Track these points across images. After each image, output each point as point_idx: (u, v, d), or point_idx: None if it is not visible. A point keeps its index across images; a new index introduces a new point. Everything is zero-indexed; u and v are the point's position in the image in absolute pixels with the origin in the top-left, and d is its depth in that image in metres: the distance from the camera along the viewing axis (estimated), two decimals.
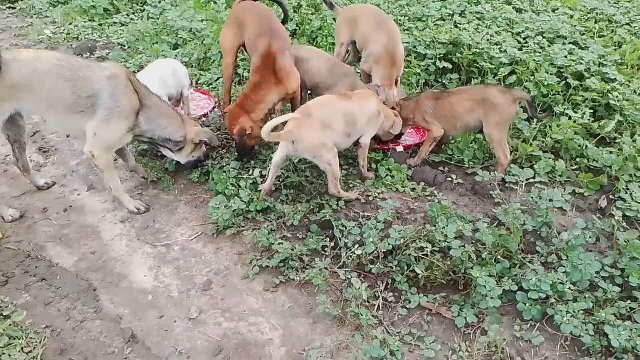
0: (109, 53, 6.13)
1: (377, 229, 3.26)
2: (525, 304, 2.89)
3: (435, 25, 5.98)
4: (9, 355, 2.76)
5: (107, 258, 3.49)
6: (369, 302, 3.04)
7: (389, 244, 3.15)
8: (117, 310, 3.13)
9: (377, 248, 3.15)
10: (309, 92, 4.59)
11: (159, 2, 7.37)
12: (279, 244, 3.34)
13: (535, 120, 4.27)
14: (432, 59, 5.17)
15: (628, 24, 6.04)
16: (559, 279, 2.89)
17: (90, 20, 7.22)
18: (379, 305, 3.04)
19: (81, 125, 3.51)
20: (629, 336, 2.64)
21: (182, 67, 4.68)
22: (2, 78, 3.22)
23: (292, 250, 3.32)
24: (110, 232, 3.71)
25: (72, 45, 6.45)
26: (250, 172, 3.91)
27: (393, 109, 4.03)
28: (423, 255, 3.07)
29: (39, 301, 3.18)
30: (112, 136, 3.55)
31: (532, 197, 3.41)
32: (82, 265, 3.44)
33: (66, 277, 3.35)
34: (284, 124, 3.48)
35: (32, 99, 3.39)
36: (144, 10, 7.27)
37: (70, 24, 7.09)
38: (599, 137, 4.20)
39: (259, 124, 3.84)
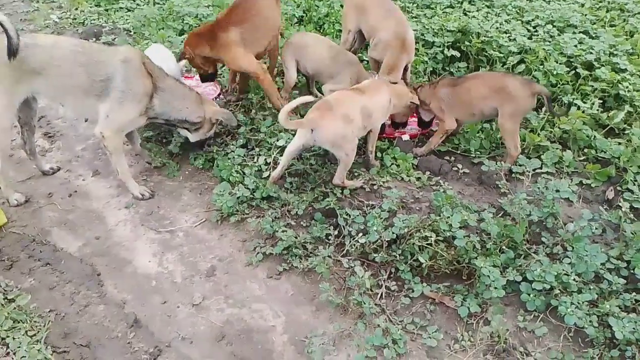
0: (115, 38, 6.11)
1: (381, 218, 3.24)
2: (529, 295, 2.88)
3: (443, 12, 5.91)
4: (13, 338, 2.79)
5: (111, 243, 3.50)
6: (371, 290, 3.03)
7: (393, 233, 3.13)
8: (121, 295, 3.14)
9: (380, 237, 3.13)
10: (315, 80, 4.57)
11: None
12: (283, 231, 3.33)
13: (544, 109, 4.22)
14: (440, 46, 5.11)
15: None
16: (563, 270, 2.87)
17: (96, 5, 7.18)
18: (381, 294, 3.04)
19: (97, 108, 3.56)
20: (633, 328, 2.62)
21: (170, 54, 4.63)
22: (20, 61, 3.26)
23: (296, 237, 3.31)
24: (115, 217, 3.71)
25: (77, 30, 6.43)
26: (255, 160, 3.90)
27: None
28: (427, 244, 3.06)
29: (43, 285, 3.20)
30: (123, 119, 3.57)
31: (539, 188, 3.38)
32: (87, 250, 3.45)
33: (70, 262, 3.36)
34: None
35: (48, 83, 3.44)
36: None
37: (77, 8, 7.06)
38: (608, 127, 4.15)
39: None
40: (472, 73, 4.42)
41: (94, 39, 6.10)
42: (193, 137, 3.99)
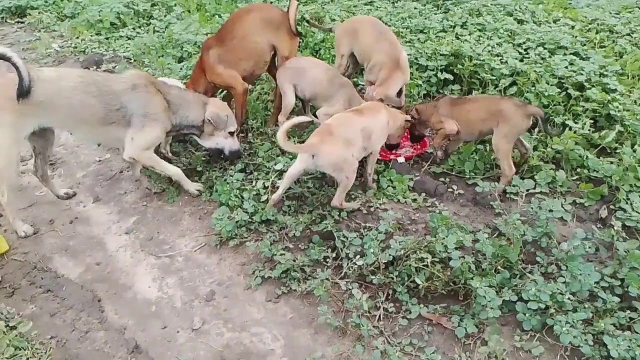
0: (115, 66, 6.23)
1: (378, 240, 3.29)
2: (524, 314, 2.91)
3: (436, 36, 6.03)
4: None
5: (111, 269, 3.55)
6: (369, 312, 3.06)
7: (390, 255, 3.18)
8: (121, 321, 3.17)
9: (377, 258, 3.18)
10: (309, 102, 4.65)
11: (165, 16, 7.49)
12: (281, 254, 3.37)
13: (537, 130, 4.31)
14: (433, 70, 5.22)
15: (629, 34, 6.06)
16: (558, 289, 2.90)
17: (97, 34, 7.34)
18: (379, 316, 3.07)
19: (114, 134, 3.74)
20: (628, 346, 2.64)
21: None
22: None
23: (294, 260, 3.35)
24: (115, 243, 3.76)
25: (79, 58, 6.56)
26: (254, 184, 3.96)
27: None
28: (423, 265, 3.10)
29: (44, 312, 3.23)
30: (148, 139, 3.76)
31: (532, 208, 3.43)
32: (87, 276, 3.50)
33: (71, 288, 3.40)
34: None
35: (57, 115, 3.54)
36: (150, 24, 7.38)
37: (77, 37, 7.22)
38: (600, 147, 4.21)
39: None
40: (471, 95, 4.50)
41: (95, 68, 6.24)
42: (204, 143, 4.10)
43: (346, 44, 4.78)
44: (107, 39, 7.19)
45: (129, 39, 7.09)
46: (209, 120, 3.97)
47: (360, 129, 3.62)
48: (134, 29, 7.37)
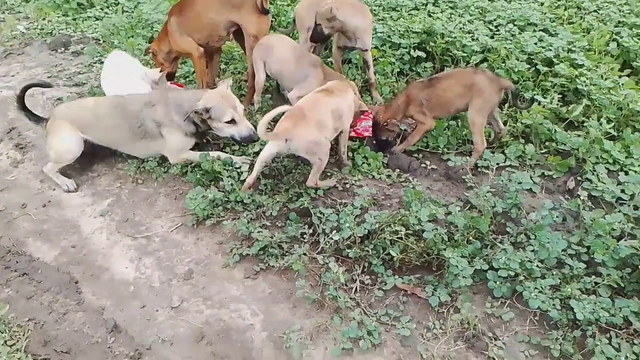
0: (84, 47, 6.10)
1: (354, 215, 3.35)
2: (495, 282, 3.01)
3: (409, 14, 6.05)
4: None
5: (87, 251, 3.53)
6: (346, 285, 3.13)
7: (365, 229, 3.24)
8: (99, 302, 3.18)
9: (353, 233, 3.23)
10: (277, 83, 4.63)
11: None
12: (259, 232, 3.40)
13: (507, 106, 4.39)
14: (406, 47, 5.24)
15: (595, 11, 6.17)
16: (527, 258, 3.01)
17: (63, 15, 7.16)
18: (356, 288, 3.14)
19: (152, 147, 4.12)
20: (593, 309, 2.77)
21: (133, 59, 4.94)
22: (74, 118, 4.07)
23: (272, 237, 3.38)
24: (90, 225, 3.74)
25: (46, 40, 6.40)
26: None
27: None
28: (398, 238, 3.17)
29: (20, 295, 3.21)
30: (176, 145, 4.06)
31: (502, 180, 3.52)
32: (63, 259, 3.47)
33: (47, 271, 3.38)
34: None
35: (99, 135, 4.12)
36: (118, 3, 7.22)
37: (44, 18, 7.02)
38: (567, 121, 4.33)
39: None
40: (442, 72, 4.47)
41: (63, 49, 6.09)
42: (218, 133, 4.06)
43: (310, 18, 4.69)
44: (74, 19, 7.02)
45: (97, 19, 6.94)
46: (197, 113, 3.94)
47: (331, 110, 3.63)
48: (102, 9, 7.20)
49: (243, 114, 3.94)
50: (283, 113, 3.56)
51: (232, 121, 3.88)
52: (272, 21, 6.07)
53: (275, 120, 3.62)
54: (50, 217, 3.82)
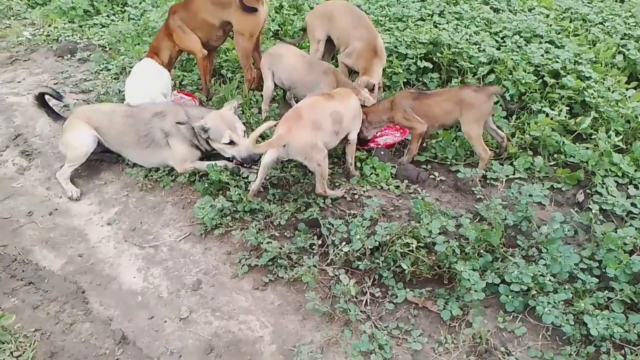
0: (90, 54, 6.09)
1: (363, 226, 3.33)
2: (507, 296, 2.99)
3: (415, 25, 6.06)
4: None
5: (94, 260, 3.50)
6: (356, 297, 3.10)
7: (375, 241, 3.22)
8: (107, 312, 3.14)
9: (363, 245, 3.21)
10: (289, 90, 4.65)
11: (140, 3, 7.33)
12: (267, 242, 3.38)
13: (514, 118, 4.39)
14: (412, 58, 5.25)
15: (601, 23, 6.20)
16: (539, 271, 2.99)
17: (70, 22, 7.14)
18: (366, 301, 3.11)
19: (158, 155, 4.15)
20: (607, 324, 2.75)
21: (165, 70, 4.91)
22: (89, 119, 4.20)
23: (281, 248, 3.36)
24: (97, 234, 3.71)
25: (52, 47, 6.39)
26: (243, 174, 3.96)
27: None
28: (408, 250, 3.15)
29: (27, 305, 3.17)
30: (180, 154, 4.09)
31: (512, 193, 3.52)
32: (70, 268, 3.44)
33: (54, 280, 3.35)
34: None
35: (109, 139, 4.20)
36: (125, 11, 7.21)
37: (50, 25, 7.01)
38: (576, 133, 4.33)
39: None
40: (432, 91, 4.50)
41: (69, 56, 6.09)
42: (222, 153, 4.07)
43: (322, 29, 4.77)
44: (80, 26, 7.00)
45: (104, 26, 6.92)
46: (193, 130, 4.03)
47: (329, 113, 3.62)
48: (108, 16, 7.19)
49: (243, 135, 3.94)
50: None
51: (232, 142, 3.89)
52: (277, 30, 6.11)
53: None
54: (56, 225, 3.79)
